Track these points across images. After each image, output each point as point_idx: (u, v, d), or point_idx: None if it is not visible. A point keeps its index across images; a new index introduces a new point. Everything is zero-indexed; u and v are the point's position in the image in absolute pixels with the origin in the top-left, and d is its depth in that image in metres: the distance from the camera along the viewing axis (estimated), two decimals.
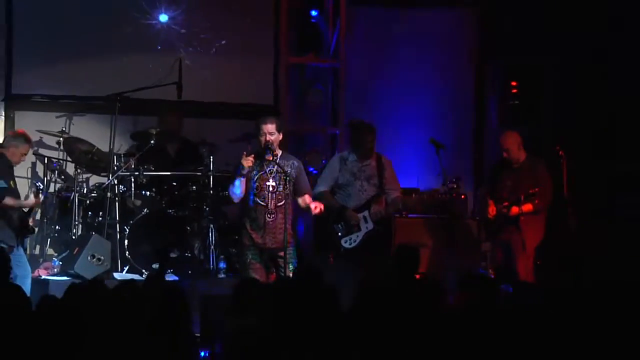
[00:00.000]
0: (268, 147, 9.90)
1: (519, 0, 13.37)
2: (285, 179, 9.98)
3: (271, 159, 9.99)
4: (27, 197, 10.94)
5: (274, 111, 13.38)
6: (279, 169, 9.96)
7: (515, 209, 10.99)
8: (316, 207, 10.08)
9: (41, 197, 10.98)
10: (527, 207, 10.95)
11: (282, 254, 9.86)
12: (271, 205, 9.97)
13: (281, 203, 9.98)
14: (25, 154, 10.94)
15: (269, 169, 10.01)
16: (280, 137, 10.08)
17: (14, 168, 10.98)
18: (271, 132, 9.98)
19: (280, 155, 10.07)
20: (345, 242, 10.93)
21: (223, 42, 13.21)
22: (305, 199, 10.07)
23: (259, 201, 9.97)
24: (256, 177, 9.99)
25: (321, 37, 13.89)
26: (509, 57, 13.59)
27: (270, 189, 9.97)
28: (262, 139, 9.95)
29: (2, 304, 6.61)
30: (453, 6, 14.14)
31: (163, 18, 12.99)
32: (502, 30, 13.80)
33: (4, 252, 8.31)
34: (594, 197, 12.46)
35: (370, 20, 13.99)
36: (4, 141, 11.09)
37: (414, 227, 12.20)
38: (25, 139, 10.97)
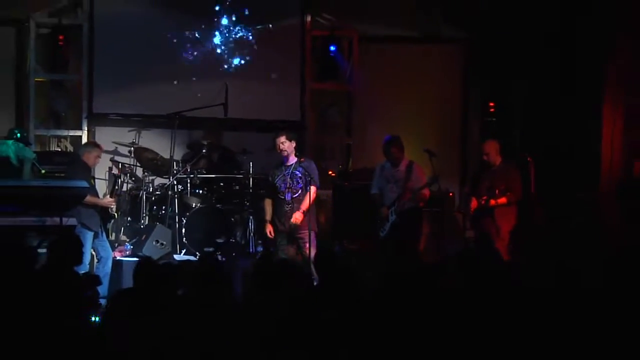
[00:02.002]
0: (287, 155, 10.13)
1: (494, 38, 13.31)
2: (298, 176, 10.09)
3: (291, 163, 10.12)
4: (104, 196, 11.04)
5: (300, 126, 13.46)
6: (295, 170, 10.08)
7: (492, 201, 10.94)
8: (295, 219, 10.13)
9: (112, 199, 11.05)
10: (502, 200, 10.88)
11: (299, 235, 9.99)
12: (288, 197, 10.07)
13: (296, 195, 10.08)
14: (99, 156, 10.88)
15: (287, 171, 10.11)
16: (294, 144, 10.20)
17: (93, 169, 11.05)
18: (283, 142, 10.10)
19: (297, 161, 10.16)
20: (381, 232, 10.96)
21: (260, 71, 13.23)
22: (296, 215, 10.12)
23: (280, 196, 10.08)
24: (277, 179, 10.09)
25: (338, 67, 13.86)
26: (487, 83, 13.59)
27: (287, 185, 10.08)
28: (277, 148, 10.12)
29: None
30: (442, 43, 14.10)
31: (214, 41, 13.02)
32: (481, 62, 13.77)
33: (78, 238, 8.30)
34: (556, 194, 12.42)
35: (377, 54, 13.93)
36: (79, 149, 11.12)
37: None
38: (94, 144, 11.04)
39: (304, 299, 6.21)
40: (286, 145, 10.13)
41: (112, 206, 11.10)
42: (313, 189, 10.14)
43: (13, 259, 6.54)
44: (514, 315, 5.87)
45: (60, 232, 9.14)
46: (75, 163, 10.88)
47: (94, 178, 11.26)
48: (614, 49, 12.10)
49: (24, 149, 10.99)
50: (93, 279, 7.68)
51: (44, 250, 7.68)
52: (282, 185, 10.11)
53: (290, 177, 10.10)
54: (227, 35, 13.19)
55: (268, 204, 10.35)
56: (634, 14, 11.80)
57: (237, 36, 13.27)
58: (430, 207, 11.84)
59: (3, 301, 5.97)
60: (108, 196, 10.93)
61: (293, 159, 10.16)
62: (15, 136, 11.18)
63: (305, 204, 10.06)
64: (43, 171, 10.58)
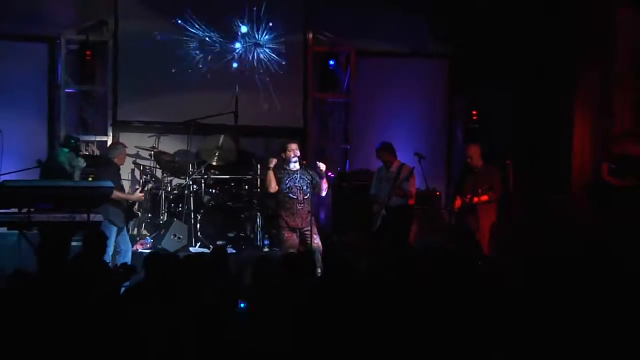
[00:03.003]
0: (296, 161, 10.09)
1: (476, 52, 13.30)
2: (310, 181, 10.09)
3: (297, 168, 10.11)
4: (134, 192, 11.06)
5: (303, 132, 13.47)
6: (303, 174, 10.08)
7: (475, 199, 10.95)
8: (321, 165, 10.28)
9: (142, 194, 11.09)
10: (484, 197, 10.89)
11: (306, 230, 9.98)
12: (300, 197, 10.06)
13: (307, 196, 10.08)
14: (126, 155, 10.99)
15: (296, 175, 10.10)
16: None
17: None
18: (296, 148, 10.12)
19: (304, 166, 10.18)
20: (375, 224, 10.98)
21: (267, 82, 13.22)
22: (321, 166, 10.22)
23: (292, 196, 10.05)
24: (288, 181, 10.08)
25: (337, 79, 13.87)
26: (470, 93, 13.58)
27: (298, 187, 10.06)
28: (290, 154, 10.07)
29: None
30: (429, 57, 14.08)
31: (227, 56, 13.02)
32: (464, 74, 13.75)
33: (103, 232, 8.31)
34: (532, 194, 12.42)
35: (371, 67, 13.91)
36: (109, 153, 11.12)
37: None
38: (122, 145, 11.05)
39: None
40: (298, 151, 10.17)
41: (142, 200, 11.11)
42: (325, 185, 10.26)
43: (51, 249, 6.56)
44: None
45: (89, 227, 9.13)
46: (106, 164, 10.91)
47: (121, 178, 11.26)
48: (582, 66, 12.11)
49: (75, 157, 11.02)
50: (130, 269, 7.69)
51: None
52: (293, 186, 10.10)
53: (300, 180, 10.11)
54: (238, 51, 13.17)
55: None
56: (596, 40, 11.82)
57: (248, 52, 13.25)
58: (419, 205, 11.86)
59: (44, 285, 5.98)
60: (138, 192, 10.96)
61: (298, 165, 10.16)
62: (69, 145, 11.19)
63: (325, 187, 10.25)
64: (90, 178, 10.59)
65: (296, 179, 10.09)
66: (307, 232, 10.02)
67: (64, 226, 9.81)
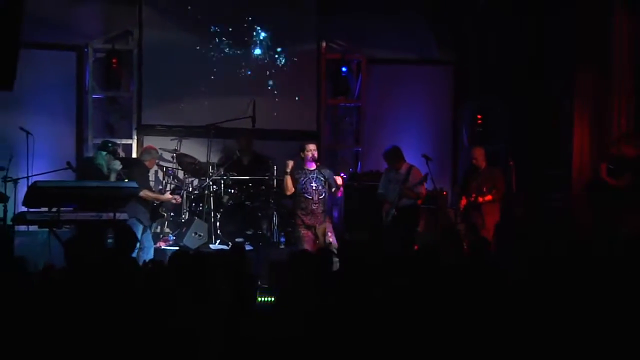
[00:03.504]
0: (313, 161, 10.09)
1: (479, 59, 13.29)
2: (324, 181, 10.10)
3: (314, 168, 10.12)
4: (164, 193, 11.12)
5: (316, 135, 13.48)
6: (319, 175, 10.08)
7: (480, 199, 10.97)
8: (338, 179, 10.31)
9: (173, 197, 11.14)
10: (488, 197, 10.92)
11: (320, 227, 10.03)
12: (315, 198, 10.07)
13: (322, 196, 10.09)
14: (157, 160, 11.06)
15: (311, 175, 10.11)
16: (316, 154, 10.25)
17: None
18: (314, 149, 10.13)
19: (319, 166, 10.19)
20: (386, 222, 11.04)
21: (283, 88, 13.24)
22: (338, 180, 10.24)
23: (307, 196, 10.06)
24: (304, 181, 10.09)
25: (349, 85, 13.89)
26: (475, 98, 13.57)
27: (314, 188, 10.08)
28: (309, 154, 10.07)
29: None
30: (436, 64, 14.09)
31: (245, 63, 13.03)
32: (469, 80, 13.76)
33: (132, 229, 8.34)
34: (535, 193, 12.41)
35: (382, 73, 13.93)
36: (142, 155, 11.18)
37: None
38: (156, 151, 11.15)
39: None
40: (316, 152, 10.20)
41: (172, 201, 11.17)
42: (340, 184, 10.27)
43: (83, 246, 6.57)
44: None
45: (120, 225, 9.18)
46: (137, 166, 10.99)
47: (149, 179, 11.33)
48: (581, 71, 12.08)
49: (112, 160, 11.06)
50: (157, 264, 7.73)
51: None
52: (309, 186, 10.11)
53: (315, 181, 10.12)
54: (256, 58, 13.20)
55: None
56: (594, 45, 11.80)
57: (265, 59, 13.28)
58: (426, 204, 11.86)
59: (74, 280, 6.01)
60: (168, 193, 11.02)
61: (314, 165, 10.18)
62: (107, 148, 11.25)
63: (340, 190, 10.30)
64: (126, 180, 10.65)
65: (312, 179, 10.11)
66: (322, 230, 10.05)
67: (98, 224, 9.92)
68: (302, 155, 10.17)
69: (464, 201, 11.14)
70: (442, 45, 13.89)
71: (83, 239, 7.43)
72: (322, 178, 10.12)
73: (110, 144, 11.36)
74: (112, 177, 10.92)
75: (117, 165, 11.05)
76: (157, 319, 5.34)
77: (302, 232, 10.09)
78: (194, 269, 6.14)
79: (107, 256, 7.09)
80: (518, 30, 12.52)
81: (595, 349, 5.37)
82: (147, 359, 5.14)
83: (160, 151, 12.50)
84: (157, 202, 10.85)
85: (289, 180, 10.07)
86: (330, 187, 10.17)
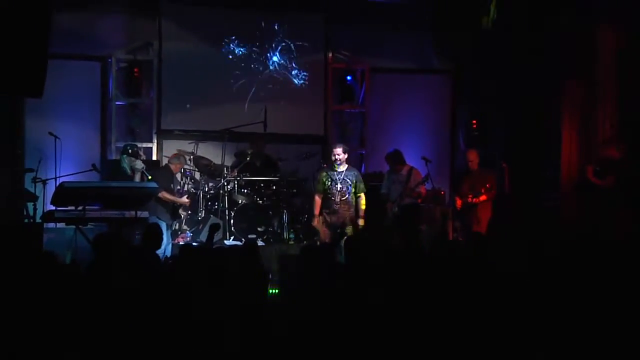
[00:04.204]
0: (336, 163, 10.19)
1: (475, 69, 13.28)
2: (348, 183, 10.15)
3: (342, 170, 10.18)
4: (182, 193, 11.15)
5: (323, 139, 13.50)
6: (346, 177, 10.17)
7: (475, 200, 10.98)
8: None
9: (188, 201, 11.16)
10: (483, 197, 10.93)
11: (343, 227, 10.10)
12: (337, 198, 10.10)
13: (345, 197, 10.11)
14: (182, 165, 11.18)
15: (338, 177, 10.13)
16: (346, 156, 10.22)
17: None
18: (339, 153, 10.15)
19: (347, 168, 10.21)
20: (389, 219, 11.12)
21: (292, 95, 13.23)
22: (359, 222, 10.27)
23: (331, 197, 10.12)
24: (330, 183, 10.14)
25: (353, 93, 13.88)
26: (471, 105, 13.56)
27: (338, 189, 10.12)
28: (332, 157, 10.21)
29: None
30: (435, 73, 14.09)
31: (258, 72, 13.02)
32: (465, 88, 13.75)
33: (159, 228, 8.37)
34: (527, 193, 12.40)
35: (384, 81, 13.91)
36: (172, 158, 11.21)
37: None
38: (183, 157, 11.28)
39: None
40: (341, 156, 10.20)
41: (187, 204, 11.19)
42: (363, 196, 10.27)
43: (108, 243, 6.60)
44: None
45: (149, 224, 9.17)
46: (163, 169, 11.09)
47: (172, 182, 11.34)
48: (569, 81, 12.10)
49: (134, 161, 11.10)
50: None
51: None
52: (334, 187, 10.13)
53: (341, 182, 10.14)
54: (268, 67, 13.20)
55: (318, 202, 10.36)
56: (581, 58, 11.81)
57: (276, 69, 13.28)
58: (425, 203, 11.86)
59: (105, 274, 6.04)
60: (185, 197, 11.05)
61: (344, 167, 10.21)
62: (127, 151, 11.29)
63: (362, 211, 10.26)
64: (150, 177, 10.67)
65: (338, 180, 10.15)
66: (342, 229, 10.10)
67: (121, 221, 9.97)
68: (332, 158, 10.24)
69: (459, 202, 11.15)
70: (440, 55, 13.87)
71: (110, 235, 7.47)
72: (349, 179, 10.16)
73: (129, 147, 11.41)
74: (137, 177, 10.95)
75: (139, 164, 11.08)
76: (181, 311, 5.36)
77: (322, 229, 10.16)
78: (211, 263, 6.17)
79: (132, 251, 7.11)
80: (512, 43, 12.51)
81: (582, 336, 5.37)
82: (173, 348, 5.14)
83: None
84: (176, 205, 10.86)
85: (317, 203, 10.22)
86: (356, 188, 10.20)
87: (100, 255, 6.34)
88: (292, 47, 13.30)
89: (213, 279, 5.98)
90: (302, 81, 13.37)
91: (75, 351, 4.92)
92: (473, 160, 11.27)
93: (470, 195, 10.94)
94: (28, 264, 5.87)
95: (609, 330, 5.36)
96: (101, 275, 5.92)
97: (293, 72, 13.34)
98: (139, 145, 12.68)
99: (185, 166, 12.44)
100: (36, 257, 6.10)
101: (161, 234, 8.05)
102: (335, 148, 10.30)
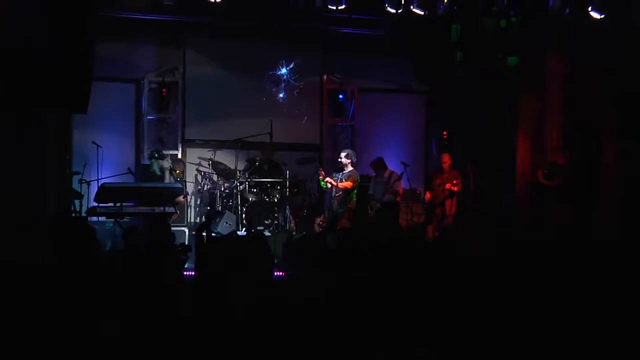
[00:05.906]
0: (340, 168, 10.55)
1: (446, 90, 13.33)
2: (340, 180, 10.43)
3: (341, 172, 10.60)
4: (201, 192, 11.17)
5: (319, 147, 13.55)
6: (341, 178, 10.47)
7: (448, 185, 11.11)
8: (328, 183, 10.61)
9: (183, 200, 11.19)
10: (455, 188, 11.03)
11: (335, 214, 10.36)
12: (333, 193, 10.50)
13: (338, 194, 10.25)
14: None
15: (337, 177, 10.48)
16: (348, 160, 10.38)
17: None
18: (340, 157, 10.35)
19: (348, 170, 10.40)
20: (372, 214, 11.26)
21: (294, 111, 13.26)
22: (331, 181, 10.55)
23: (328, 194, 10.36)
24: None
25: (345, 109, 13.89)
26: (442, 119, 13.61)
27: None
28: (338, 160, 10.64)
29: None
30: (413, 93, 14.11)
31: (266, 90, 13.03)
32: (438, 106, 13.80)
33: (167, 221, 8.39)
34: (488, 191, 12.45)
35: (370, 99, 13.91)
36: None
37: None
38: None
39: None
40: (343, 160, 10.38)
41: (181, 203, 11.18)
42: (345, 183, 10.43)
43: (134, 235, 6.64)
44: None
45: (161, 218, 9.18)
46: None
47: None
48: (524, 96, 12.17)
49: (162, 162, 11.14)
50: (187, 247, 7.79)
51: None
52: (330, 186, 10.35)
53: (339, 181, 10.40)
54: (274, 88, 13.21)
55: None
56: (534, 77, 11.90)
57: (281, 89, 13.28)
58: (404, 200, 11.93)
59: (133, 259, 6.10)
60: (180, 197, 11.06)
61: (347, 169, 10.40)
62: (154, 155, 11.32)
63: (341, 184, 10.59)
64: (178, 171, 10.72)
65: (337, 180, 10.50)
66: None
67: (153, 216, 10.00)
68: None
69: (428, 195, 11.31)
70: (418, 78, 13.91)
71: (135, 229, 7.46)
72: (344, 179, 10.32)
73: (155, 152, 11.48)
74: (167, 176, 10.99)
75: (166, 163, 11.13)
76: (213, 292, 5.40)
77: (318, 219, 10.30)
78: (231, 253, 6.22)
79: (156, 241, 7.13)
80: (477, 70, 12.60)
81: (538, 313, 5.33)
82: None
83: (198, 159, 12.63)
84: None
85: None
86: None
87: (129, 243, 6.40)
88: (295, 71, 13.32)
89: (236, 265, 6.03)
90: (301, 99, 13.38)
91: (114, 319, 4.95)
92: (446, 162, 11.45)
93: (448, 185, 11.03)
94: (82, 249, 5.89)
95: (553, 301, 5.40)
96: (131, 261, 5.97)
97: (294, 92, 13.37)
98: (167, 152, 12.77)
99: (205, 169, 12.53)
100: (89, 243, 6.12)
101: (169, 226, 8.01)
102: (341, 152, 10.57)
